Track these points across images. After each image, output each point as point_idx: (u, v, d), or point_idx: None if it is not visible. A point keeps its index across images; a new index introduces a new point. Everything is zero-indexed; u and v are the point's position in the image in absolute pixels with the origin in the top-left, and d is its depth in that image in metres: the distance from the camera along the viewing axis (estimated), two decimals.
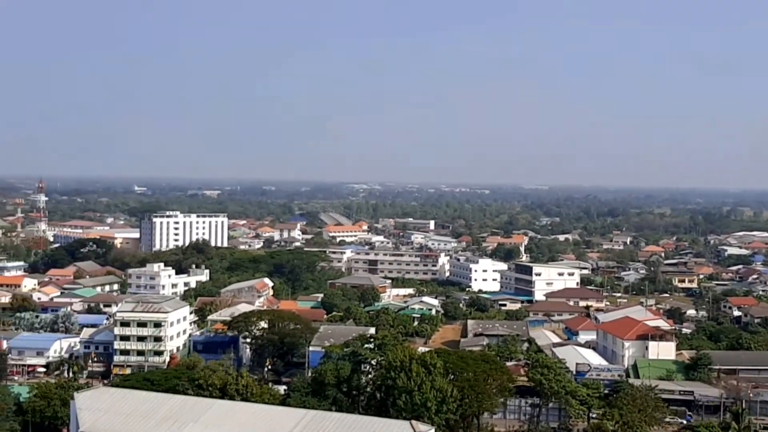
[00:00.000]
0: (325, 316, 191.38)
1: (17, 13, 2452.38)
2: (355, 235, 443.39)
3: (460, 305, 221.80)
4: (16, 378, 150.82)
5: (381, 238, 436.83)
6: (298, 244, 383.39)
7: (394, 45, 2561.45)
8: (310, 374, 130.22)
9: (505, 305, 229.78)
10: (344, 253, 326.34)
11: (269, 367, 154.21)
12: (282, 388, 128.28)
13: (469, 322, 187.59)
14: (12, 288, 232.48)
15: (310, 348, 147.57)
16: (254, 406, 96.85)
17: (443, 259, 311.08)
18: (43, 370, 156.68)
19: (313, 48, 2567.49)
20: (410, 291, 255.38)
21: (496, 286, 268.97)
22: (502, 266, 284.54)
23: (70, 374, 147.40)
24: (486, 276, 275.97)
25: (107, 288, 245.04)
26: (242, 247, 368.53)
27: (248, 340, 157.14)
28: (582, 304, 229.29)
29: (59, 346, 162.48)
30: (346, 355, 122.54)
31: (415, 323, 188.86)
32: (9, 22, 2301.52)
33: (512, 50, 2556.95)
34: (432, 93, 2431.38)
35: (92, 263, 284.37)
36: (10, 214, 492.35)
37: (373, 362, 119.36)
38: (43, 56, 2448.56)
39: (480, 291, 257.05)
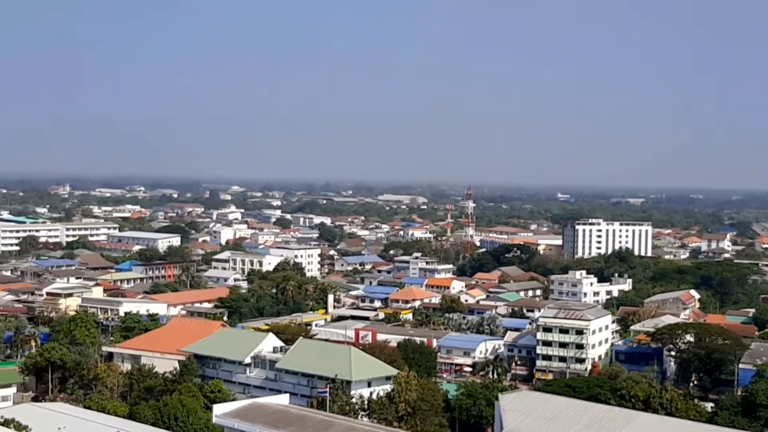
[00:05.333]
0: (757, 333, 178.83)
1: None
2: None
3: None
4: (444, 375, 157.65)
5: None
6: (727, 255, 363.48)
7: None
8: (739, 393, 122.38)
9: None
10: None
11: (695, 382, 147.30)
12: (708, 406, 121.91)
13: None
14: (442, 289, 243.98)
15: (740, 365, 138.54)
16: (680, 422, 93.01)
17: None
18: (469, 369, 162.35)
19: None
20: None
21: None
22: None
23: (495, 375, 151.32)
24: None
25: (530, 293, 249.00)
26: (667, 256, 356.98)
27: (673, 353, 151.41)
28: None
29: (484, 348, 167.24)
30: None
31: None
32: None
33: None
34: None
35: (516, 268, 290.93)
36: (441, 219, 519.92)
37: None
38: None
39: None
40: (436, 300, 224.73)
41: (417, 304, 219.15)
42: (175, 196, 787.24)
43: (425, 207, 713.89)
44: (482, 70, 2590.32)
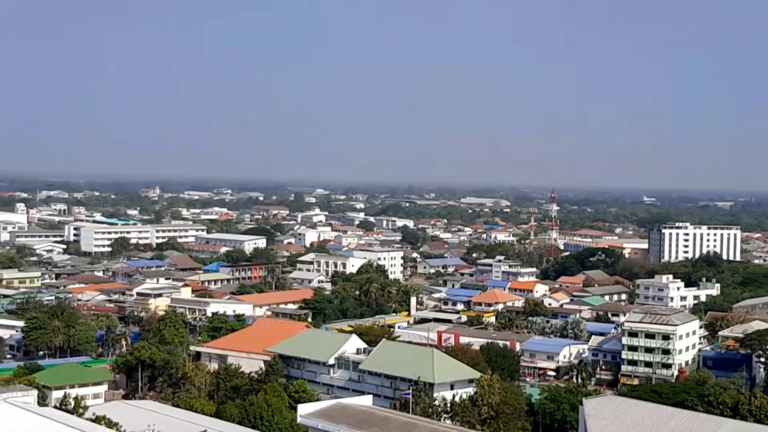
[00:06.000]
0: None
1: None
2: None
3: None
4: (528, 379, 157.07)
5: None
6: None
7: None
8: None
9: None
10: None
11: None
12: None
13: None
14: (525, 293, 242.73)
15: None
16: None
17: None
18: (552, 373, 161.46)
19: None
20: None
21: None
22: None
23: (579, 380, 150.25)
24: None
25: (615, 297, 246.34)
26: (756, 261, 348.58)
27: (762, 359, 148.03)
28: None
29: (568, 352, 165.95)
30: None
31: None
32: None
33: None
34: None
35: (601, 272, 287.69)
36: (524, 223, 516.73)
37: None
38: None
39: None
40: (519, 303, 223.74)
41: (500, 307, 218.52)
42: (261, 198, 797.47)
43: (508, 210, 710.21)
44: (559, 69, 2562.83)
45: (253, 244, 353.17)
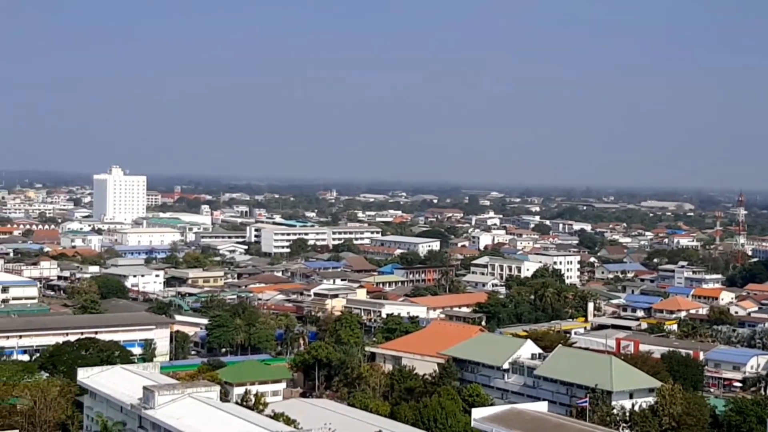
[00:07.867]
0: None
1: None
2: None
3: None
4: (711, 390, 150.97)
5: None
6: None
7: None
8: None
9: None
10: None
11: None
12: None
13: None
14: (709, 300, 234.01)
15: None
16: None
17: None
18: (739, 384, 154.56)
19: None
20: None
21: None
22: None
23: (767, 392, 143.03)
24: None
25: None
26: None
27: None
28: None
29: (756, 362, 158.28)
30: None
31: None
32: None
33: None
34: None
35: None
36: (709, 227, 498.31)
37: None
38: None
39: None
40: (703, 311, 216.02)
41: (682, 314, 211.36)
42: (435, 201, 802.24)
43: (692, 214, 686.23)
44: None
45: (427, 246, 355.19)
